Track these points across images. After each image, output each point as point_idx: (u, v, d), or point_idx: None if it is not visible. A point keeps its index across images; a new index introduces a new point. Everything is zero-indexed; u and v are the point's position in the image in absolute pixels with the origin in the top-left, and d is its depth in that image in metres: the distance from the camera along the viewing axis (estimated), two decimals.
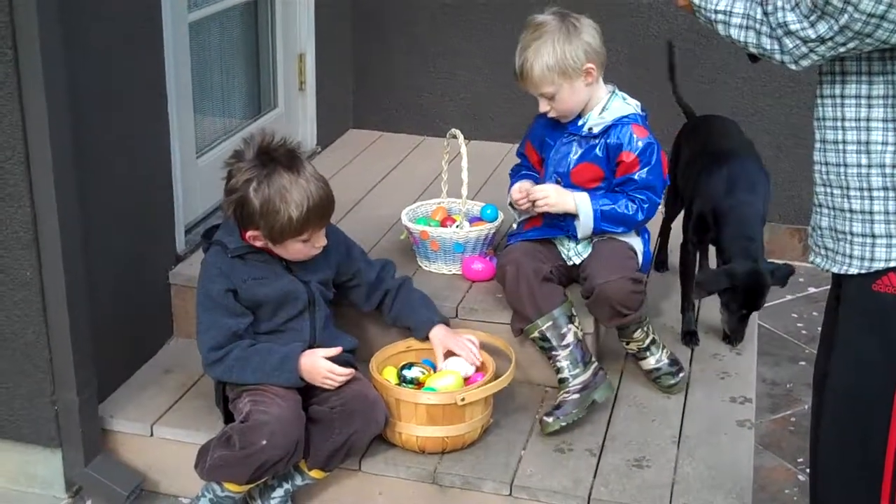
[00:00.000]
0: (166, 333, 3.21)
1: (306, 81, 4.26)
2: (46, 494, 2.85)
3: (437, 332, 2.83)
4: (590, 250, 2.90)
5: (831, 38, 1.85)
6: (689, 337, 3.24)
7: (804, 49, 1.90)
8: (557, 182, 2.88)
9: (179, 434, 2.80)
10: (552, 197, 2.82)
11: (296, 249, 2.62)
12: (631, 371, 3.08)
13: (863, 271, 1.99)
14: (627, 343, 2.97)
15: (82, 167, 2.64)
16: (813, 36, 1.86)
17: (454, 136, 3.13)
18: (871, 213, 1.97)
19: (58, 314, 2.63)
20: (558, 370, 2.82)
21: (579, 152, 2.86)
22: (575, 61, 2.74)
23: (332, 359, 2.63)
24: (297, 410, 2.59)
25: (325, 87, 4.37)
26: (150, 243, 3.09)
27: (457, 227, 3.15)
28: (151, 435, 2.82)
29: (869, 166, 1.96)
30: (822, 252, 2.08)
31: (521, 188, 2.90)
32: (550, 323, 2.81)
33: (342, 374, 2.61)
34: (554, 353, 2.82)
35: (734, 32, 2.00)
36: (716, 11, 2.02)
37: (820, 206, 2.07)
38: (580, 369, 2.80)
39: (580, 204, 2.81)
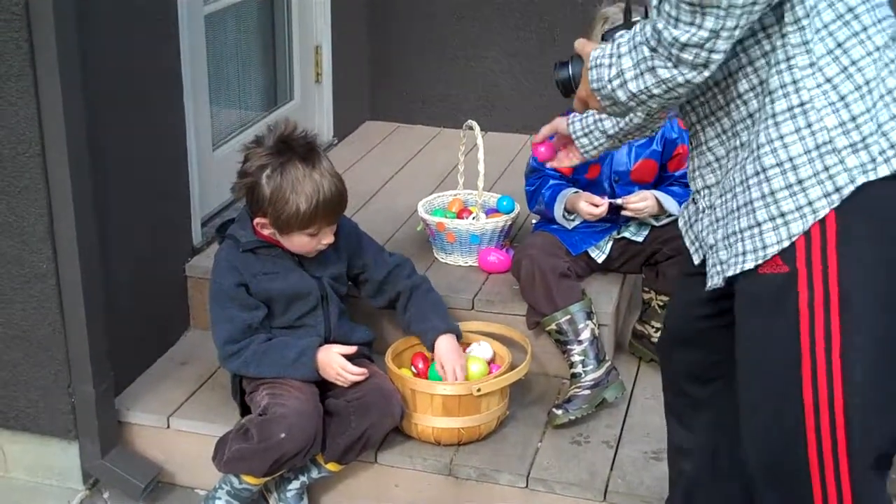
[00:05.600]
0: (183, 325, 3.22)
1: (323, 73, 4.26)
2: (64, 486, 2.86)
3: (441, 345, 2.73)
4: (647, 227, 2.95)
5: (722, 27, 1.78)
6: None
7: (704, 55, 1.81)
8: (616, 181, 2.92)
9: (196, 426, 2.80)
10: (651, 207, 2.88)
11: (301, 243, 2.61)
12: (649, 362, 3.06)
13: (759, 262, 1.86)
14: (657, 330, 2.97)
15: (98, 159, 2.64)
16: (706, 35, 1.77)
17: (470, 128, 3.12)
18: (751, 202, 1.86)
19: (74, 306, 2.64)
20: (571, 364, 2.81)
21: (638, 150, 2.90)
22: None
23: (350, 354, 2.63)
24: (314, 403, 2.58)
25: (342, 78, 4.36)
26: (166, 235, 3.09)
27: (473, 218, 3.14)
28: (168, 427, 2.82)
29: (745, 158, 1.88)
30: (719, 268, 1.95)
31: (597, 201, 2.87)
32: (568, 317, 2.80)
33: (354, 372, 2.60)
34: (569, 347, 2.80)
35: (634, 87, 1.85)
36: (609, 80, 1.88)
37: (717, 220, 1.96)
38: (593, 366, 2.78)
39: (670, 207, 2.88)
